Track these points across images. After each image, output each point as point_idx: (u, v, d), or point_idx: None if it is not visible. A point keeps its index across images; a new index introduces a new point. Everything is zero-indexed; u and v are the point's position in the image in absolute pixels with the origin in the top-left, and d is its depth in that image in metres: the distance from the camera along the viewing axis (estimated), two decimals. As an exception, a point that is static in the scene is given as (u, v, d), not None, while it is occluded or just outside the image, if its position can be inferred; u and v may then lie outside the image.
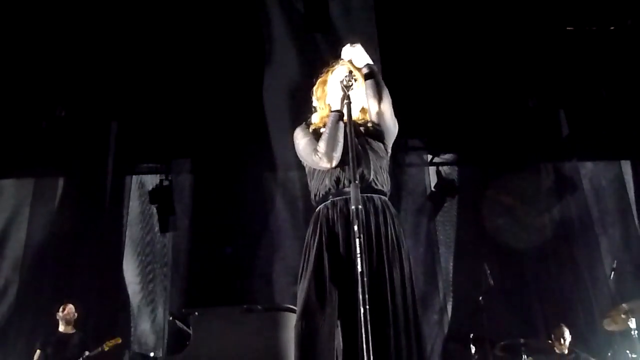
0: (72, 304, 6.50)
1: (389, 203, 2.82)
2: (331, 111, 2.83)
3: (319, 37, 6.78)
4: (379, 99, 2.89)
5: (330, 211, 2.75)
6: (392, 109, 2.92)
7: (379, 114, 2.91)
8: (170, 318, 4.69)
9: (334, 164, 2.74)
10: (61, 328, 6.43)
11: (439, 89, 7.51)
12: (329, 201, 2.77)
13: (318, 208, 2.82)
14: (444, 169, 8.33)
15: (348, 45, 2.99)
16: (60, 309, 6.41)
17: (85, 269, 7.45)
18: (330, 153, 2.73)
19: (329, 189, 2.78)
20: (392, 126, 2.94)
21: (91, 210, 7.76)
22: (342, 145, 2.72)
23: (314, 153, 2.77)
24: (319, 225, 2.74)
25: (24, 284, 7.49)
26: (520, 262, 7.66)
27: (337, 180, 2.77)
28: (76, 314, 6.48)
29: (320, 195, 2.82)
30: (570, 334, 6.13)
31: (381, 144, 2.90)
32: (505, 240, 7.54)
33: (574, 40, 7.29)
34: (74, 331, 6.45)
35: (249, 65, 7.25)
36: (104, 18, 6.81)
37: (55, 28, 6.84)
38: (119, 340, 6.31)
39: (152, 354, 7.35)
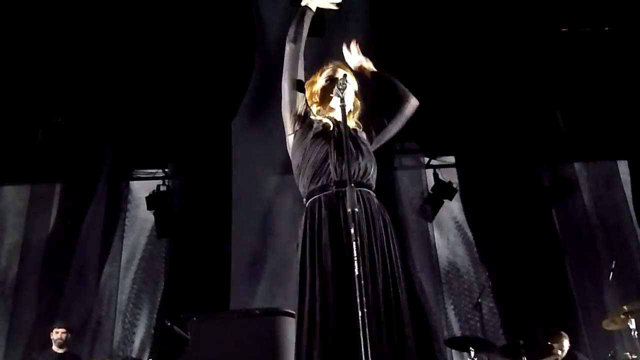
0: (64, 326, 6.39)
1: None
2: (300, 5, 2.90)
3: (314, 41, 6.76)
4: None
5: (334, 200, 2.66)
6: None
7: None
8: (168, 324, 4.64)
9: (300, 46, 2.84)
10: (54, 347, 6.34)
11: (435, 91, 7.49)
12: (331, 191, 2.69)
13: (317, 197, 2.72)
14: (441, 172, 8.33)
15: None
16: (54, 332, 6.30)
17: (82, 276, 7.42)
18: (294, 35, 2.84)
19: (331, 179, 2.71)
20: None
21: (88, 217, 7.73)
22: (306, 34, 2.86)
23: (287, 42, 2.86)
24: (317, 215, 2.67)
25: (20, 291, 7.44)
26: (518, 263, 7.64)
27: (342, 172, 2.68)
28: (68, 335, 6.35)
29: (319, 184, 2.74)
30: (570, 339, 6.06)
31: (369, 145, 2.92)
32: (503, 242, 7.54)
33: (569, 41, 7.32)
34: (64, 351, 6.35)
35: (243, 67, 7.27)
36: (99, 27, 6.84)
37: (52, 37, 6.87)
38: None
39: (149, 360, 7.31)
